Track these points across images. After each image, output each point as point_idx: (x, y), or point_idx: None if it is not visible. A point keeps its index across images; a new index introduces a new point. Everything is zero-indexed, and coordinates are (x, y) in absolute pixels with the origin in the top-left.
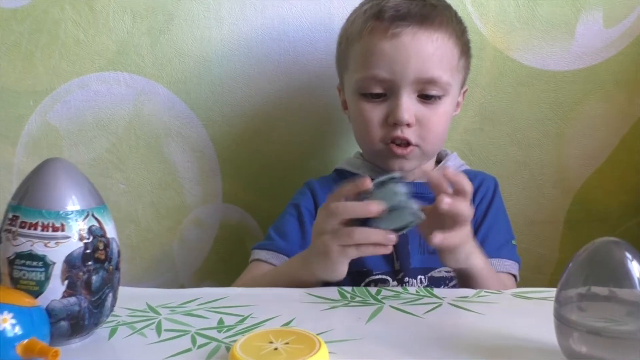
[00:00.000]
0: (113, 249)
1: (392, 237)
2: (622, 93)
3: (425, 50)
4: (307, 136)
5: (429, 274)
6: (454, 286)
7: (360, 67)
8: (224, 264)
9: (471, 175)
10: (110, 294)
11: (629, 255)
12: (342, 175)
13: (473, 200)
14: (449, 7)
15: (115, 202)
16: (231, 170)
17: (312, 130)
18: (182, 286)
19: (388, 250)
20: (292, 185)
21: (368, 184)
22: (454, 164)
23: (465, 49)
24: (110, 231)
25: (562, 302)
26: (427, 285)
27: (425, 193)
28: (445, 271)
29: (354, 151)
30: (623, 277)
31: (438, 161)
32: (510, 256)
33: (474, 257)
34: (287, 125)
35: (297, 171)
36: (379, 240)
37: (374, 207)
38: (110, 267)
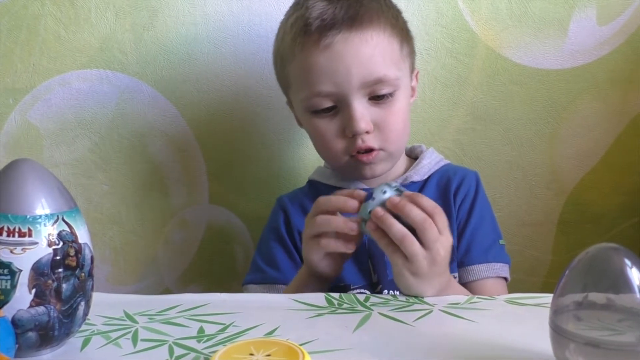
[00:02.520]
0: (85, 255)
1: (352, 225)
2: (616, 92)
3: (363, 53)
4: (295, 136)
5: None
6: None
7: (302, 86)
8: (210, 267)
9: (451, 171)
10: (83, 303)
11: (628, 262)
12: (314, 187)
13: (454, 200)
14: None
15: (98, 203)
16: (217, 170)
17: (301, 129)
18: (167, 289)
19: (349, 249)
20: (279, 186)
21: (362, 195)
22: (430, 161)
23: (404, 35)
24: (83, 236)
25: (557, 310)
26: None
27: None
28: None
29: None
30: (622, 285)
31: (415, 158)
32: (498, 258)
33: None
34: (274, 125)
35: (284, 171)
36: (339, 227)
37: (351, 224)
38: (82, 275)
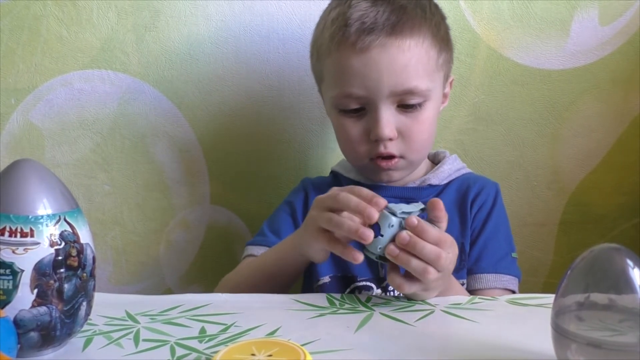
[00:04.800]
0: (87, 255)
1: (368, 234)
2: (618, 92)
3: (398, 62)
4: (297, 136)
5: None
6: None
7: (333, 84)
8: (211, 267)
9: (471, 180)
10: (85, 303)
11: (630, 262)
12: (336, 178)
13: (471, 208)
14: (419, 2)
15: (99, 203)
16: (219, 171)
17: (302, 130)
18: (169, 290)
19: (356, 259)
20: (281, 187)
21: (381, 205)
22: (451, 167)
23: (444, 43)
24: (85, 236)
25: (559, 311)
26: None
27: (415, 198)
28: None
29: None
30: (624, 285)
31: (437, 163)
32: (508, 270)
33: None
34: (276, 125)
35: (285, 172)
36: (352, 235)
37: (365, 233)
38: (84, 275)
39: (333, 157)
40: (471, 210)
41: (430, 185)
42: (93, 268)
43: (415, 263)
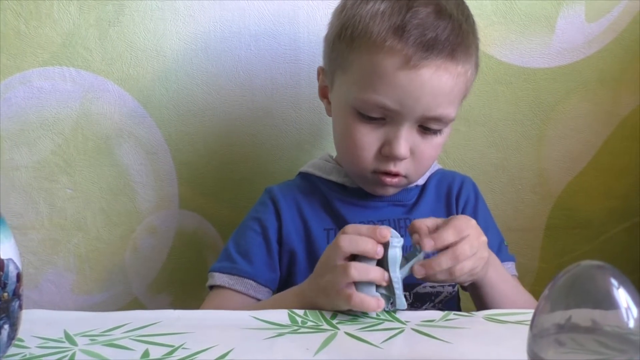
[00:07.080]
0: (9, 272)
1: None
2: (605, 92)
3: (443, 88)
4: (269, 137)
5: (414, 290)
6: (440, 302)
7: (364, 84)
8: (180, 275)
9: (448, 176)
10: (7, 326)
11: (614, 282)
12: (309, 180)
13: (456, 205)
14: (469, 21)
15: (61, 208)
16: (188, 173)
17: (275, 131)
18: (136, 299)
19: (375, 308)
20: (253, 190)
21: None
22: None
23: (477, 68)
24: (7, 251)
25: (537, 335)
26: (411, 302)
27: (402, 199)
28: (431, 287)
29: (319, 153)
30: (608, 306)
31: None
32: (507, 258)
33: (484, 270)
34: (247, 126)
35: (258, 175)
36: (371, 307)
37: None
38: (6, 294)
39: (308, 159)
40: (457, 207)
41: (417, 186)
42: (17, 286)
43: (440, 276)
